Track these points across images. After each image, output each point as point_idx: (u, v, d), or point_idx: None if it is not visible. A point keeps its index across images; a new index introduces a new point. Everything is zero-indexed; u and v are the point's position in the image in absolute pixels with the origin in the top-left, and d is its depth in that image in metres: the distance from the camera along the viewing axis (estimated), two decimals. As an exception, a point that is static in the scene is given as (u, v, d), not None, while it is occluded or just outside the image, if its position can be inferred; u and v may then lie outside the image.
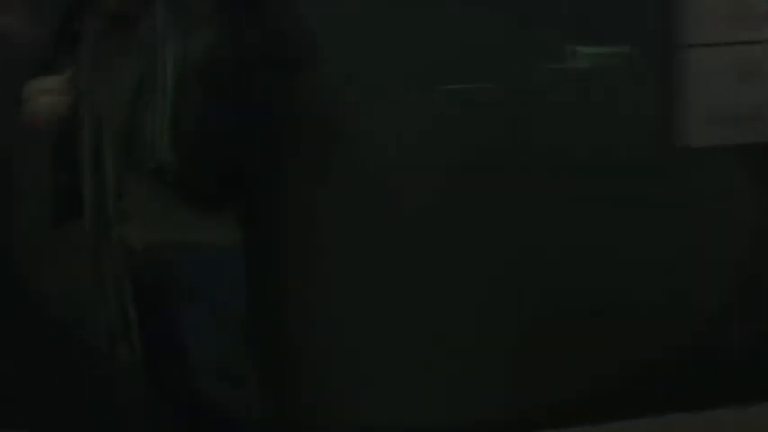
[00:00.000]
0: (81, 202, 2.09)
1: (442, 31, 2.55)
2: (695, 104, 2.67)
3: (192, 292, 2.06)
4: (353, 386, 2.65)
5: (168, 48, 1.99)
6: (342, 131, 2.55)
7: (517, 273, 2.62)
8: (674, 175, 2.65)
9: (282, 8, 2.08)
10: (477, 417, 2.59)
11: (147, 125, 1.99)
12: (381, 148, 2.58)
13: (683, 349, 2.59)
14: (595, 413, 2.60)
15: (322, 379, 2.66)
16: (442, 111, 2.59)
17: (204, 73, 2.00)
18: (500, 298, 2.63)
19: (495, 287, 2.63)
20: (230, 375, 2.10)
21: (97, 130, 2.06)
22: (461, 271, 2.61)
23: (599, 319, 2.61)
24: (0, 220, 2.64)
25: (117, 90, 2.04)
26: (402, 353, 2.62)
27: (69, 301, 2.53)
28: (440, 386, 2.64)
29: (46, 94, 2.08)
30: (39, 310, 2.62)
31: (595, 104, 2.61)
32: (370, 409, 2.63)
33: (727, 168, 2.67)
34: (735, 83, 2.67)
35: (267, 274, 2.35)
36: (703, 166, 2.66)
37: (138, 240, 2.06)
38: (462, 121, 2.59)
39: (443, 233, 2.60)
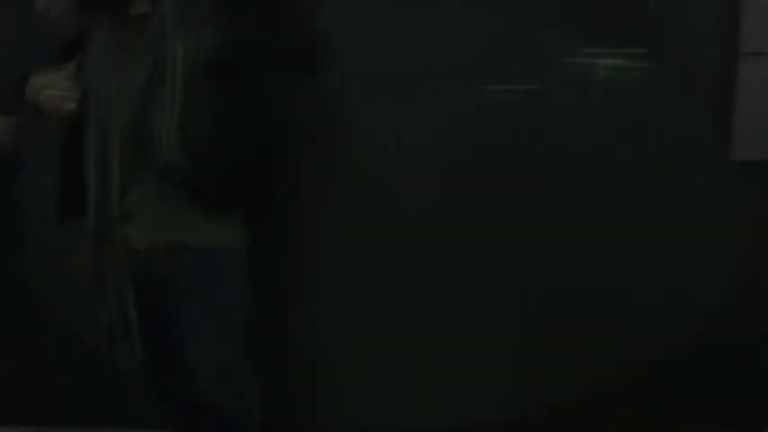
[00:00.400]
0: (84, 200, 2.07)
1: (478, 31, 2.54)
2: (749, 116, 2.51)
3: (192, 292, 2.05)
4: (353, 386, 2.65)
5: (177, 46, 1.97)
6: (345, 133, 2.54)
7: (517, 273, 2.61)
8: (724, 188, 2.57)
9: (295, 8, 2.05)
10: (477, 417, 2.59)
11: (155, 124, 1.97)
12: (383, 149, 2.57)
13: (684, 349, 2.58)
14: (595, 413, 2.59)
15: (322, 379, 2.66)
16: (457, 112, 2.57)
17: (213, 72, 1.99)
18: (500, 298, 2.62)
19: (494, 288, 2.62)
20: (230, 376, 2.09)
21: (103, 128, 2.03)
22: (461, 271, 2.61)
23: (599, 319, 2.61)
24: (1, 219, 2.64)
25: (125, 88, 2.02)
26: (402, 353, 2.62)
27: (69, 300, 2.53)
28: (440, 386, 2.63)
29: (50, 89, 2.06)
30: (39, 309, 2.62)
31: (644, 114, 2.54)
32: (370, 409, 2.63)
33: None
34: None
35: (268, 275, 2.35)
36: (755, 181, 2.56)
37: (141, 240, 2.05)
38: (476, 122, 2.58)
39: (444, 234, 2.60)
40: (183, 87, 1.97)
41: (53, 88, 2.06)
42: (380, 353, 2.62)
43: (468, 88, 2.56)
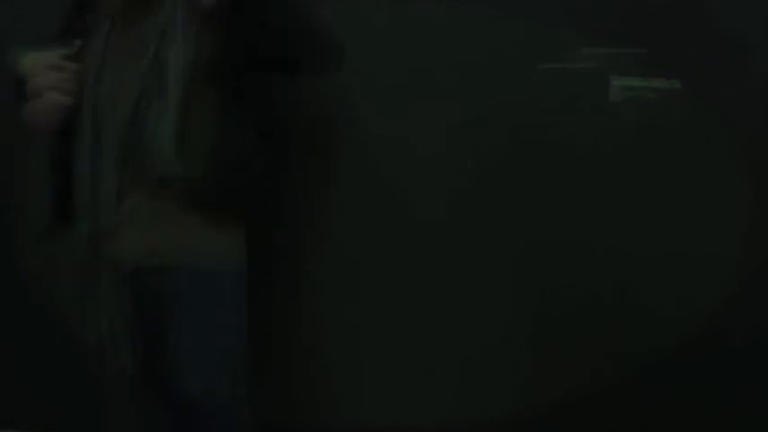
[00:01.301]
0: (76, 207, 2.03)
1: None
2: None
3: (188, 304, 2.00)
4: (353, 386, 2.64)
5: (177, 47, 1.92)
6: (351, 139, 2.52)
7: (519, 274, 2.60)
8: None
9: (298, 8, 1.97)
10: (477, 417, 2.58)
11: (151, 128, 1.92)
12: (387, 156, 2.56)
13: (683, 349, 2.58)
14: (596, 413, 2.59)
15: (322, 379, 2.64)
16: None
17: (214, 75, 1.94)
18: (500, 299, 2.61)
19: (495, 289, 2.61)
20: (226, 387, 2.05)
21: (97, 131, 1.99)
22: (463, 277, 2.59)
23: (601, 319, 2.60)
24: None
25: (121, 89, 1.97)
26: (403, 354, 2.61)
27: (63, 309, 2.50)
28: (440, 386, 2.62)
29: (49, 74, 1.98)
30: (34, 317, 2.60)
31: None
32: (369, 409, 2.62)
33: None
34: None
35: (270, 279, 2.33)
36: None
37: (135, 250, 1.99)
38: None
39: (446, 239, 2.58)
40: (182, 90, 1.92)
41: (52, 74, 1.97)
42: (381, 354, 2.62)
43: (476, 93, 2.54)
